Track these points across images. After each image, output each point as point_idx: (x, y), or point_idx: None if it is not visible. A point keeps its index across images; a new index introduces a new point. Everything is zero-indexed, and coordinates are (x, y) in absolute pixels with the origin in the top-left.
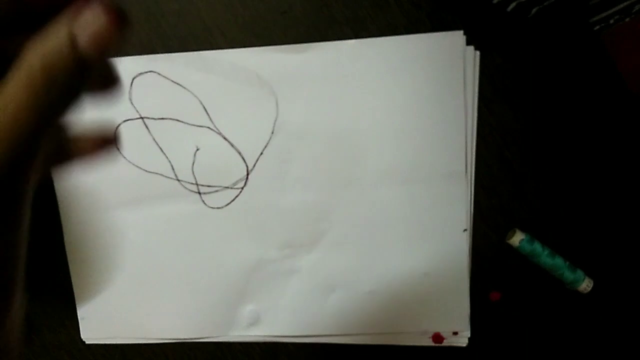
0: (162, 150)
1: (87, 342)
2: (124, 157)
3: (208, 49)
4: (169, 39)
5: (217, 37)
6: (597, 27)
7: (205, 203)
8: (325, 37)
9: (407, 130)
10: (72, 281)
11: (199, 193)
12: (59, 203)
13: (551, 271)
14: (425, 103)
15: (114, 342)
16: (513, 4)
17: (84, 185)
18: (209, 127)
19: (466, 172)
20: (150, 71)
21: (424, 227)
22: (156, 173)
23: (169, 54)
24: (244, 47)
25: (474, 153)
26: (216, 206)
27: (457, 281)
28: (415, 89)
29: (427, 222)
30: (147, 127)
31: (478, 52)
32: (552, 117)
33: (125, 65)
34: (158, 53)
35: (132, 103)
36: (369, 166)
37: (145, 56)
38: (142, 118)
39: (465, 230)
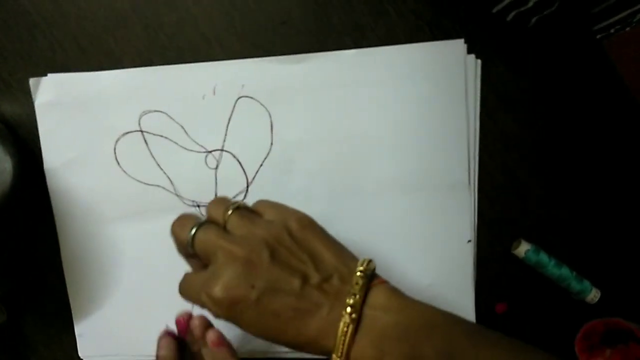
0: (158, 165)
1: None
2: (123, 170)
3: (206, 60)
4: (167, 50)
5: (215, 48)
6: (599, 36)
7: (203, 215)
8: (325, 47)
9: (409, 139)
10: (69, 297)
11: (198, 207)
12: (55, 218)
13: (558, 282)
14: (426, 112)
15: (112, 359)
16: (512, 14)
17: (81, 199)
18: (198, 146)
19: (469, 182)
20: (150, 85)
21: (428, 238)
22: (155, 185)
23: (167, 66)
24: (243, 57)
25: (477, 162)
26: None
27: (462, 293)
28: (417, 98)
29: (431, 233)
30: (145, 141)
31: (479, 61)
32: (555, 126)
33: (123, 77)
34: (156, 64)
35: (131, 116)
36: (371, 176)
37: (143, 68)
38: (141, 132)
39: (469, 241)
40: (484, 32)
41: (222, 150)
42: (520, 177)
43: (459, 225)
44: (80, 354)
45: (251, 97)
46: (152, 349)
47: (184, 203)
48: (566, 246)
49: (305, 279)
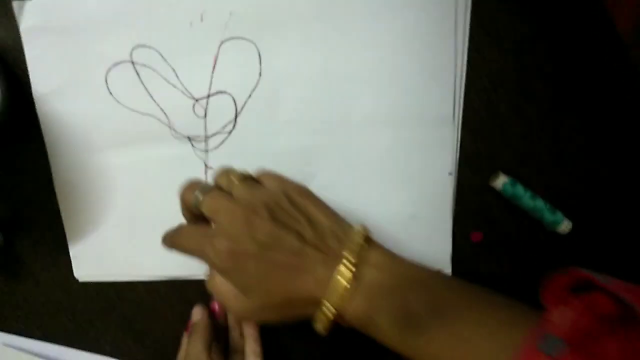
0: (150, 96)
1: (80, 280)
2: (115, 99)
3: None
4: None
5: None
6: None
7: (194, 146)
8: None
9: (396, 73)
10: (63, 221)
11: (189, 139)
12: (46, 145)
13: (532, 213)
14: (415, 45)
15: (108, 280)
16: None
17: (72, 126)
18: (187, 92)
19: (454, 116)
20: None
21: (410, 170)
22: (148, 115)
23: None
24: None
25: (462, 97)
26: (205, 149)
27: (440, 223)
28: (406, 32)
29: (414, 165)
30: (137, 72)
31: None
32: (542, 65)
33: (110, 1)
34: None
35: (120, 44)
36: (358, 109)
37: None
38: (132, 62)
39: (450, 173)
40: None
41: (208, 96)
42: (503, 112)
43: (441, 159)
44: (75, 275)
45: (238, 37)
46: (146, 270)
47: (175, 137)
48: (542, 180)
49: (301, 238)
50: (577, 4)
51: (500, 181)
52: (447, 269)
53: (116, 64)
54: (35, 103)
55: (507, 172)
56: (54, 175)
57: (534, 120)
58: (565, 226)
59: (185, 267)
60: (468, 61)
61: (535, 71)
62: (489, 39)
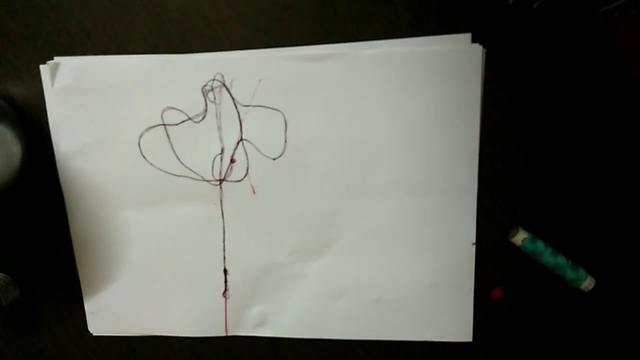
0: (177, 158)
1: (94, 334)
2: (145, 159)
3: (210, 47)
4: (172, 37)
5: (219, 35)
6: (604, 20)
7: (216, 207)
8: (329, 35)
9: (419, 142)
10: (79, 275)
11: (220, 182)
12: (65, 201)
13: (553, 270)
14: (439, 115)
15: (121, 335)
16: None
17: (93, 184)
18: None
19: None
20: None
21: (433, 239)
22: (171, 174)
23: (184, 55)
24: (247, 44)
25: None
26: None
27: (462, 292)
28: (430, 101)
29: (436, 235)
30: (167, 135)
31: (484, 50)
32: (557, 116)
33: (141, 64)
34: (160, 51)
35: (151, 106)
36: (381, 176)
37: (160, 56)
38: (164, 125)
39: (473, 244)
40: (489, 19)
41: (233, 161)
42: (520, 166)
43: (464, 229)
44: (90, 330)
45: (266, 105)
46: (160, 329)
47: (197, 197)
48: (563, 235)
49: None
50: (591, 56)
51: (520, 237)
52: (468, 337)
53: (148, 129)
54: (57, 161)
55: (527, 227)
56: (71, 231)
57: (553, 174)
58: (587, 283)
59: (201, 326)
60: (483, 113)
61: (552, 121)
62: (503, 91)
